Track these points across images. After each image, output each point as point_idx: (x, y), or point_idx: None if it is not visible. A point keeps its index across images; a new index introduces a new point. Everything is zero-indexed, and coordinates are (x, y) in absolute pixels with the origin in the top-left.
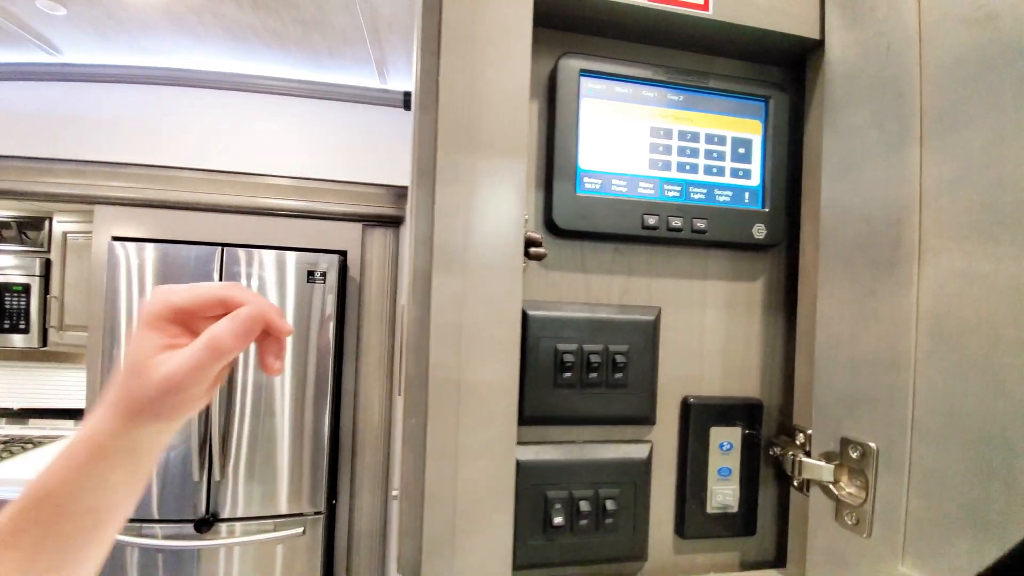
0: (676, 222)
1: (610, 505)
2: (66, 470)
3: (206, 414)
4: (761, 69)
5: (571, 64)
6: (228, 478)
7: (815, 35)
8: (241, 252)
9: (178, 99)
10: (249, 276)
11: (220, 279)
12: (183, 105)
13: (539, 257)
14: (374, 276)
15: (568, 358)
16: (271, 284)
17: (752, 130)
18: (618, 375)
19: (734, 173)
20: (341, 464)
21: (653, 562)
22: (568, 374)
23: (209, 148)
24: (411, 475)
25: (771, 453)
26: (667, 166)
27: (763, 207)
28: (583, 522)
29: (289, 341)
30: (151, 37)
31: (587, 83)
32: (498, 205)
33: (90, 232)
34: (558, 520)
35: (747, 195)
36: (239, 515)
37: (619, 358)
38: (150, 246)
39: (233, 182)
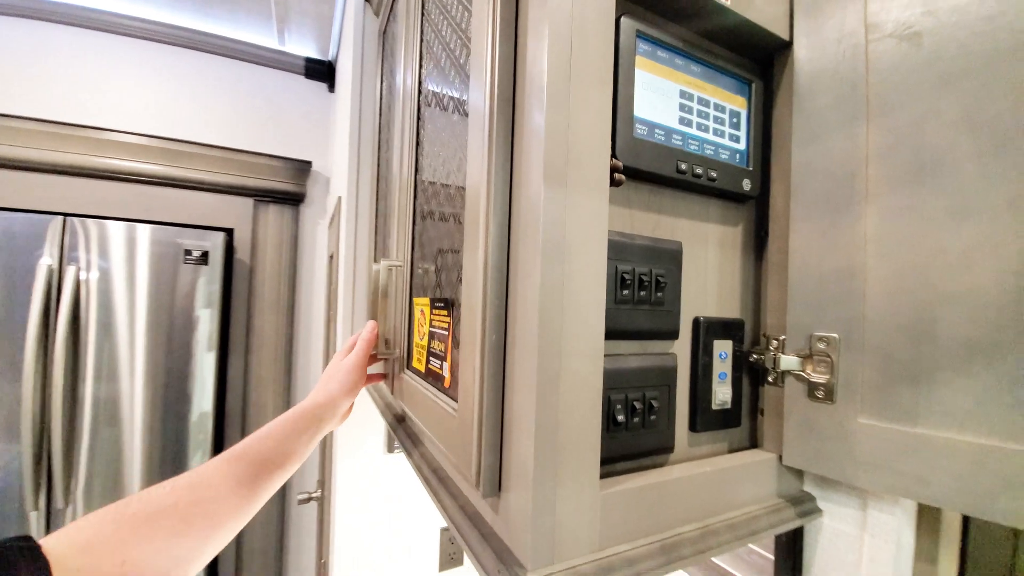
0: (698, 170)
1: (655, 403)
2: (283, 425)
3: (41, 431)
4: (742, 59)
5: (630, 24)
6: (77, 504)
7: (786, 37)
8: (92, 225)
9: (11, 31)
10: (88, 251)
11: (60, 254)
12: (18, 40)
13: (619, 183)
14: (268, 259)
15: (627, 278)
16: (118, 262)
17: (741, 105)
18: (659, 294)
19: (730, 137)
20: None
21: (676, 453)
22: (626, 291)
23: (53, 95)
24: (490, 394)
25: (751, 360)
26: (689, 124)
27: (748, 166)
28: (635, 419)
29: (147, 335)
30: None
31: (639, 43)
32: (591, 131)
33: None
34: (620, 418)
35: (737, 156)
36: None
37: (661, 279)
38: None
39: (83, 138)
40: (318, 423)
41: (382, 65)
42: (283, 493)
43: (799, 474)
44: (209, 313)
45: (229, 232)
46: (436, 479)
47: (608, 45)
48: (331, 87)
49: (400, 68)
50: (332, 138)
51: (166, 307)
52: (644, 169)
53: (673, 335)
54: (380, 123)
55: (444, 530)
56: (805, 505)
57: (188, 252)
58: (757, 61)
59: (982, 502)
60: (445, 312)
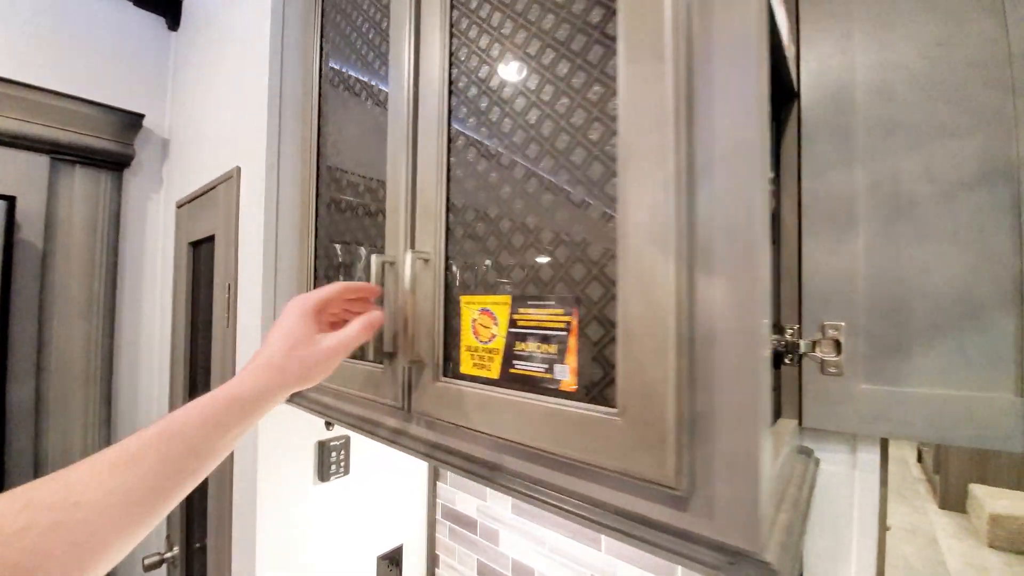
0: None
1: None
2: (202, 417)
3: None
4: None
5: None
6: None
7: (795, 88)
8: None
9: None
10: None
11: None
12: None
13: None
14: (74, 243)
15: None
16: None
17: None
18: None
19: None
20: None
21: None
22: None
23: None
24: (687, 391)
25: (773, 347)
26: None
27: None
28: None
29: None
30: None
31: None
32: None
33: None
34: None
35: None
36: None
37: None
38: None
39: None
40: (249, 416)
41: (322, 19)
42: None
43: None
44: None
45: (9, 201)
46: (560, 496)
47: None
48: (172, 23)
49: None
50: (175, 87)
51: None
52: None
53: None
54: (321, 89)
55: (381, 558)
56: (812, 456)
57: None
58: (773, 106)
59: (947, 434)
60: (560, 311)
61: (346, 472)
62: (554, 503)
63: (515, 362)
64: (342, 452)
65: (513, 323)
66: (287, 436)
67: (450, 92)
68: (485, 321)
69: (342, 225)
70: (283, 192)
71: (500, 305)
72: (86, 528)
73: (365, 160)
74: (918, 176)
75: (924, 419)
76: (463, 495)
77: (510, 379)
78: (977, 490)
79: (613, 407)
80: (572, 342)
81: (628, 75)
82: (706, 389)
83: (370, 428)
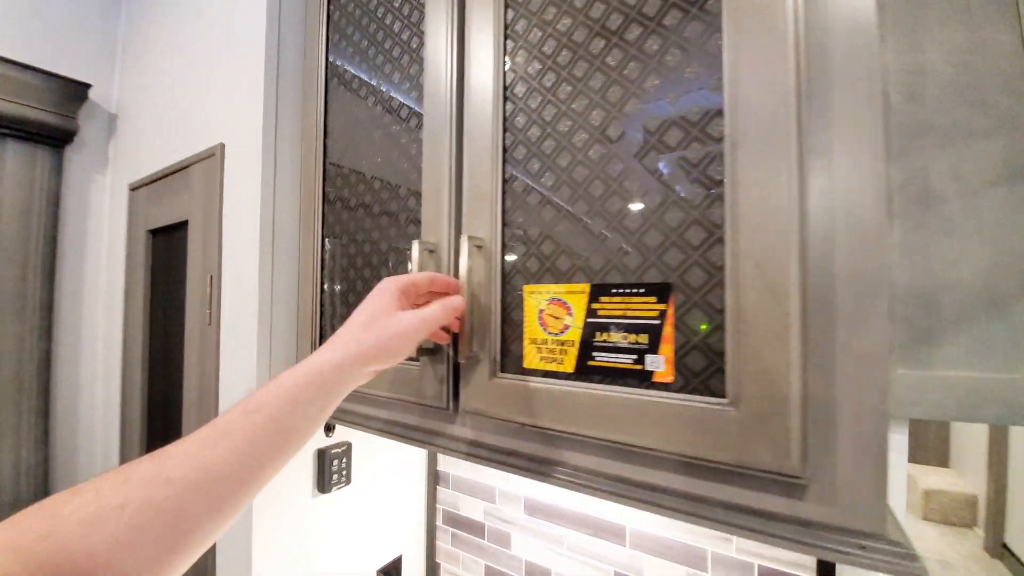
0: None
1: None
2: (282, 391)
3: None
4: None
5: None
6: None
7: None
8: None
9: None
10: None
11: None
12: None
13: None
14: (4, 228)
15: None
16: None
17: None
18: None
19: None
20: None
21: None
22: None
23: None
24: (815, 379)
25: None
26: None
27: None
28: None
29: None
30: None
31: None
32: None
33: None
34: None
35: None
36: None
37: None
38: None
39: None
40: (329, 392)
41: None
42: None
43: None
44: None
45: None
46: (648, 492)
47: None
48: None
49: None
50: (125, 57)
51: None
52: None
53: None
54: (328, 76)
55: (381, 571)
56: None
57: None
58: None
59: (975, 413)
60: (652, 298)
61: (348, 482)
62: (641, 499)
63: (595, 354)
64: (344, 460)
65: (592, 312)
66: None
67: (505, 41)
68: (556, 311)
69: (354, 212)
70: (282, 173)
71: (576, 294)
72: (175, 505)
73: (382, 135)
74: (944, 175)
75: (954, 401)
76: (468, 499)
77: (588, 372)
78: (911, 468)
79: (722, 397)
80: (668, 331)
81: (736, 54)
82: (825, 374)
83: (400, 432)
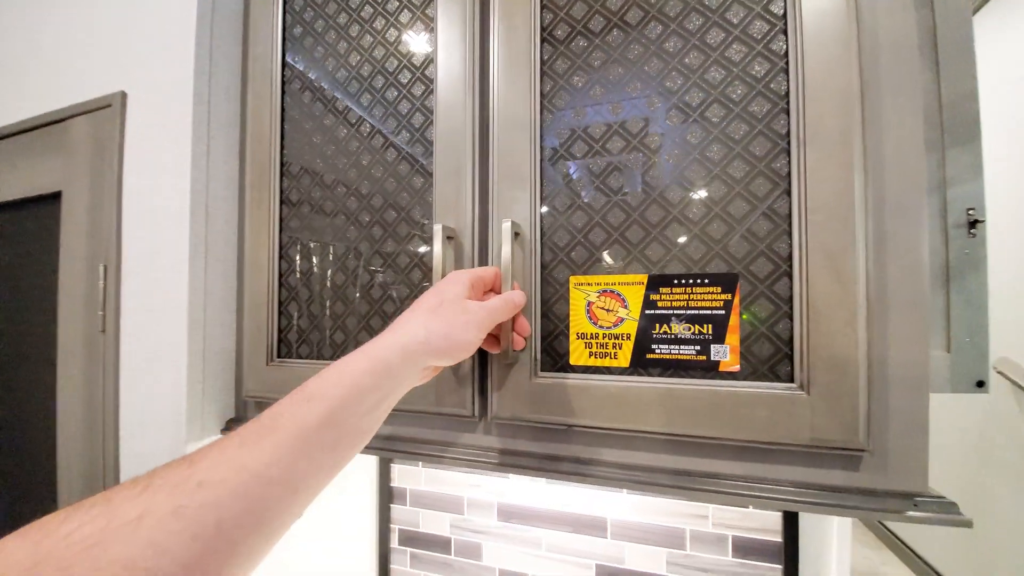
0: None
1: None
2: (339, 378)
3: None
4: None
5: None
6: None
7: None
8: None
9: None
10: None
11: None
12: None
13: None
14: None
15: None
16: None
17: None
18: None
19: None
20: None
21: None
22: None
23: None
24: (876, 362)
25: None
26: None
27: None
28: None
29: None
30: None
31: None
32: None
33: None
34: None
35: None
36: None
37: None
38: None
39: None
40: (391, 381)
41: None
42: None
43: None
44: None
45: None
46: (715, 481)
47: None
48: None
49: None
50: None
51: None
52: None
53: None
54: (285, 9)
55: None
56: None
57: None
58: None
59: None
60: (716, 288)
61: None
62: (703, 489)
63: (655, 346)
64: None
65: (650, 304)
66: None
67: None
68: (609, 303)
69: (321, 180)
70: (218, 134)
71: (632, 285)
72: (212, 514)
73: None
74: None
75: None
76: (431, 513)
77: (646, 365)
78: None
79: (790, 382)
80: (734, 320)
81: (809, 58)
82: (882, 355)
83: (406, 449)
